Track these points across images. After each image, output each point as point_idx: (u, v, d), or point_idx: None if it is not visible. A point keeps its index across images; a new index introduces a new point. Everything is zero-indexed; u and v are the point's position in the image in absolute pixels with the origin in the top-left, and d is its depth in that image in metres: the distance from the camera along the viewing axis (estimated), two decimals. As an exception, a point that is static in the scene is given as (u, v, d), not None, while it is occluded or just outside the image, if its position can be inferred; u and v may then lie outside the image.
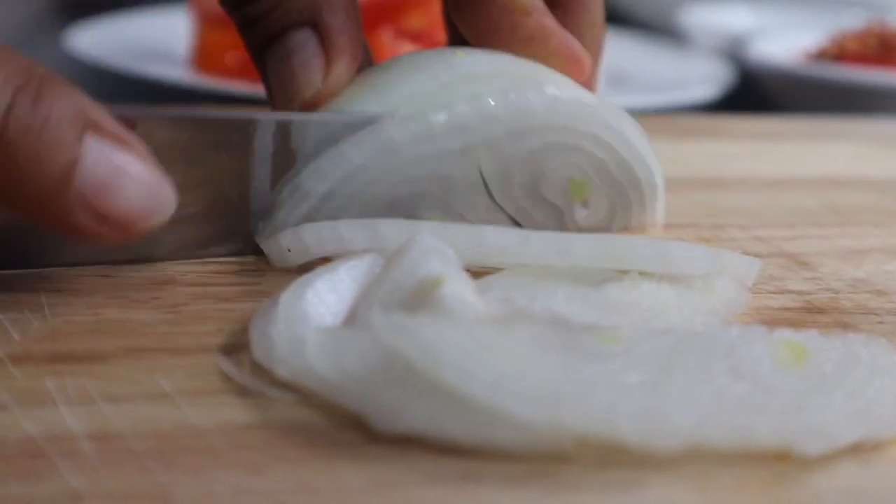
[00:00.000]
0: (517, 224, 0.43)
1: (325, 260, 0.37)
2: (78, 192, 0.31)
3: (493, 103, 0.41)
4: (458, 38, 0.46)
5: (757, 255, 0.40)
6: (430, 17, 0.74)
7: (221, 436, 0.28)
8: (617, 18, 1.16)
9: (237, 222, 0.39)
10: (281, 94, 0.42)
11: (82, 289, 0.36)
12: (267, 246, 0.39)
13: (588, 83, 0.45)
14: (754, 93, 0.91)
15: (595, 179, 0.43)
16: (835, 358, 0.31)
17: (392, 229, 0.38)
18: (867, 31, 0.94)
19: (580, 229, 0.44)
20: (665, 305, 0.35)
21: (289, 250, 0.38)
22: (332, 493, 0.26)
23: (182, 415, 0.29)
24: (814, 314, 0.38)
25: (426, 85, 0.41)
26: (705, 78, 0.84)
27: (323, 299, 0.33)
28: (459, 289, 0.30)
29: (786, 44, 0.97)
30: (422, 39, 0.74)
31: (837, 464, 0.28)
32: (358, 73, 0.42)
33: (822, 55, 0.94)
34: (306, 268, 0.39)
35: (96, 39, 0.82)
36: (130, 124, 0.33)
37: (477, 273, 0.38)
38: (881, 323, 0.38)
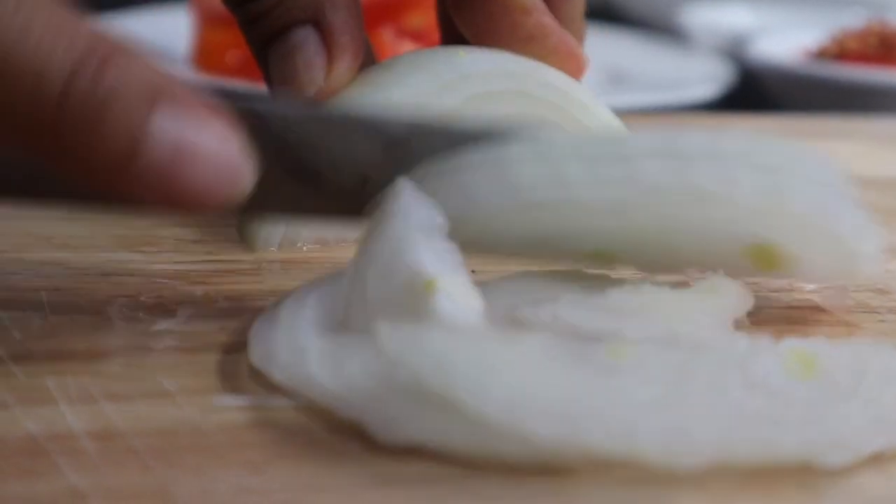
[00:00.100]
0: None
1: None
2: (143, 170, 0.29)
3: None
4: (452, 38, 0.46)
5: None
6: (431, 16, 0.74)
7: (222, 435, 0.28)
8: (617, 17, 1.16)
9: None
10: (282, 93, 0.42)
11: (83, 287, 0.36)
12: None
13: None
14: (755, 92, 0.91)
15: None
16: (844, 366, 0.30)
17: None
18: (868, 30, 0.94)
19: None
20: (668, 309, 0.35)
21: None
22: (333, 492, 0.26)
23: (183, 413, 0.29)
24: (816, 313, 0.38)
25: (427, 84, 0.41)
26: (706, 77, 0.84)
27: (324, 307, 0.33)
28: (454, 290, 0.30)
29: (786, 43, 0.97)
30: (423, 38, 0.74)
31: (859, 475, 0.28)
32: (360, 72, 0.42)
33: (823, 54, 0.94)
34: (306, 267, 0.39)
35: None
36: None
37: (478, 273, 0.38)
38: (882, 321, 0.38)
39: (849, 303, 0.39)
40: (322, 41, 0.43)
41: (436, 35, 0.49)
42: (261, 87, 0.45)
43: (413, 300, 0.31)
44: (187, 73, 0.77)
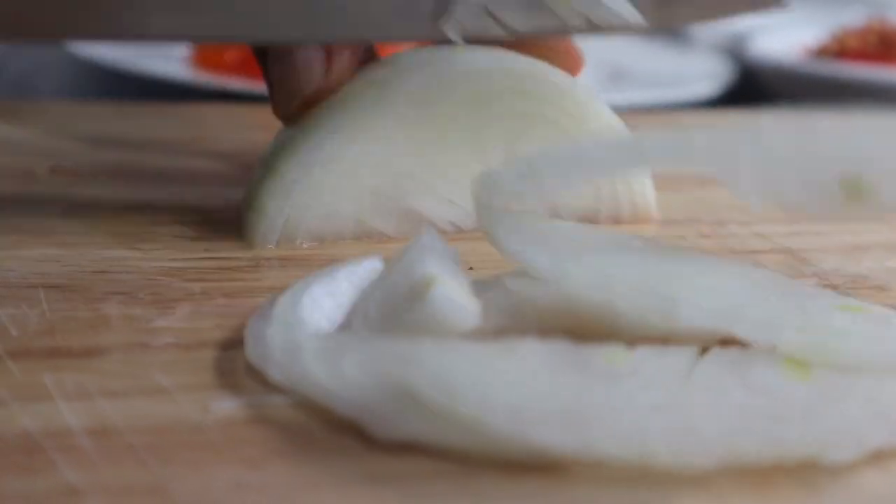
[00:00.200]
0: None
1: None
2: None
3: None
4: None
5: (757, 252, 0.40)
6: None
7: (219, 431, 0.28)
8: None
9: None
10: (282, 91, 0.42)
11: (80, 284, 0.36)
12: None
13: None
14: (755, 89, 0.91)
15: None
16: (839, 365, 0.30)
17: None
18: (868, 28, 0.94)
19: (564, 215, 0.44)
20: None
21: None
22: (329, 488, 0.26)
23: (180, 410, 0.29)
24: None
25: (426, 81, 0.41)
26: (706, 74, 0.84)
27: (320, 304, 0.33)
28: (451, 289, 0.30)
29: (786, 40, 0.97)
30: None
31: (859, 472, 0.28)
32: (361, 69, 0.42)
33: (823, 52, 0.94)
34: (304, 264, 0.39)
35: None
36: None
37: (477, 272, 0.38)
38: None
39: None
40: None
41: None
42: (260, 85, 0.45)
43: (413, 297, 0.31)
44: (187, 70, 0.77)
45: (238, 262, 0.39)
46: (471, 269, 0.38)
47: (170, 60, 0.79)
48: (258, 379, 0.31)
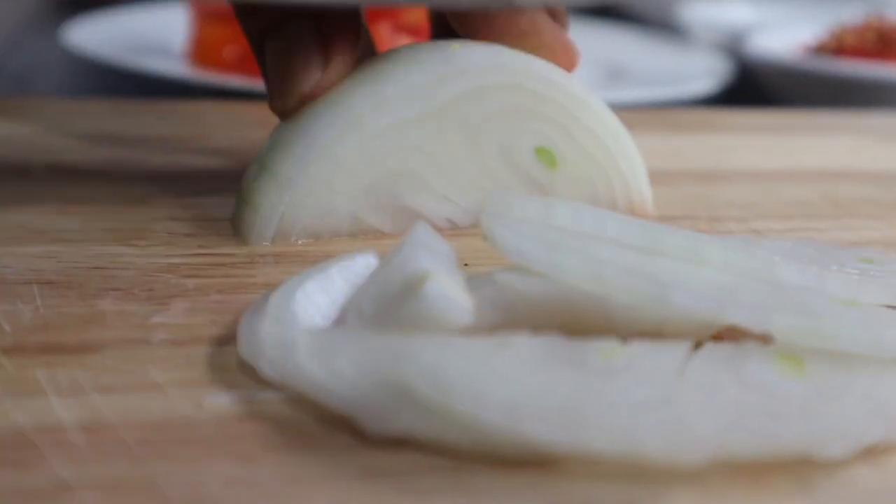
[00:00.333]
0: None
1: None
2: None
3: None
4: (442, 32, 0.46)
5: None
6: (426, 11, 0.74)
7: (212, 426, 0.28)
8: (616, 13, 1.16)
9: None
10: (279, 86, 0.42)
11: (75, 280, 0.36)
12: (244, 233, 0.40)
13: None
14: (753, 87, 0.91)
15: (562, 147, 0.44)
16: (833, 361, 0.30)
17: None
18: (866, 25, 0.94)
19: None
20: None
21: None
22: (322, 484, 0.26)
23: (173, 405, 0.29)
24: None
25: (422, 78, 0.41)
26: (704, 72, 0.84)
27: (313, 300, 0.33)
28: (444, 285, 0.30)
29: (784, 38, 0.97)
30: (419, 33, 0.74)
31: (853, 468, 0.28)
32: (358, 65, 0.42)
33: (821, 49, 0.94)
34: (299, 261, 0.39)
35: (94, 34, 0.82)
36: None
37: (472, 268, 0.38)
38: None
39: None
40: (319, 34, 0.43)
41: (433, 31, 0.49)
42: (258, 82, 0.45)
43: (406, 293, 0.31)
44: (185, 68, 0.77)
45: (233, 258, 0.39)
46: (466, 265, 0.38)
47: (168, 58, 0.79)
48: (251, 375, 0.31)
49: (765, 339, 0.31)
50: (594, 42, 0.86)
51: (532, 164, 0.44)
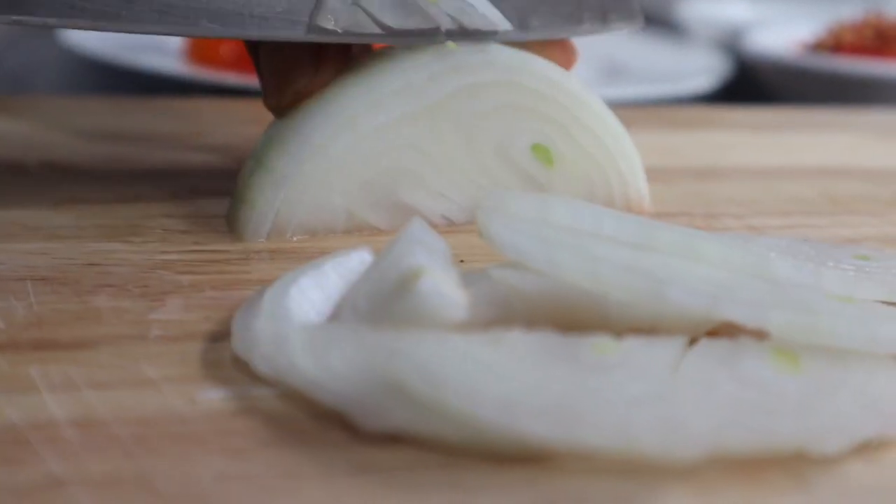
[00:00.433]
0: None
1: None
2: None
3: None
4: None
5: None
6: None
7: (205, 422, 0.28)
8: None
9: None
10: (273, 84, 0.42)
11: (69, 277, 0.36)
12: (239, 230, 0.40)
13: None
14: (751, 84, 0.91)
15: (559, 144, 0.43)
16: (828, 357, 0.30)
17: None
18: (864, 22, 0.94)
19: None
20: None
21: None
22: (315, 479, 0.26)
23: (166, 401, 0.29)
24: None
25: (416, 75, 0.41)
26: (703, 69, 0.84)
27: (308, 296, 0.33)
28: (438, 281, 0.30)
29: (783, 35, 0.97)
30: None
31: (847, 464, 0.28)
32: (352, 63, 0.42)
33: (819, 47, 0.93)
34: (295, 257, 0.39)
35: (91, 32, 0.82)
36: None
37: (468, 265, 0.38)
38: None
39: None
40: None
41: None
42: (254, 80, 0.44)
43: (401, 288, 0.31)
44: (181, 65, 0.77)
45: (228, 255, 0.39)
46: (462, 261, 0.38)
47: (164, 55, 0.79)
48: (245, 371, 0.30)
49: (760, 335, 0.31)
50: (592, 39, 0.85)
51: (529, 161, 0.43)
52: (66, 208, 0.42)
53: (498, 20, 0.42)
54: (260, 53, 0.42)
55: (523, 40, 0.43)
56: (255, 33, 0.39)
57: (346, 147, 0.40)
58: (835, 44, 0.92)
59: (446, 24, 0.41)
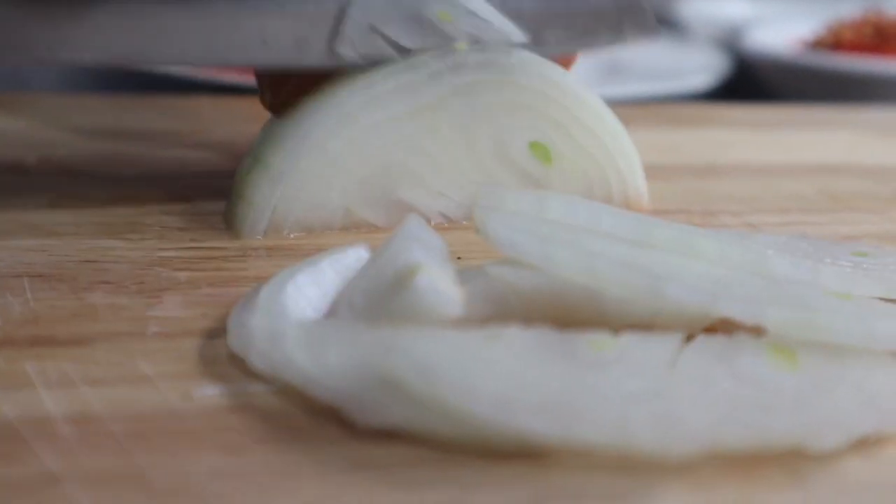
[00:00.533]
0: None
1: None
2: None
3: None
4: None
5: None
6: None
7: (201, 419, 0.28)
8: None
9: None
10: (269, 81, 0.42)
11: (66, 274, 0.36)
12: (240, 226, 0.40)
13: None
14: (751, 82, 0.91)
15: (557, 142, 0.43)
16: (825, 353, 0.30)
17: None
18: (863, 20, 0.94)
19: None
20: None
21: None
22: (311, 476, 0.26)
23: (162, 398, 0.29)
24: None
25: (415, 74, 0.41)
26: (702, 67, 0.84)
27: (304, 293, 0.33)
28: (435, 278, 0.30)
29: (782, 33, 0.97)
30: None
31: (844, 460, 0.28)
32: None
33: (819, 44, 0.93)
34: (291, 254, 0.39)
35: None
36: None
37: (465, 262, 0.38)
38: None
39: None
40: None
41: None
42: (252, 79, 0.44)
43: (397, 285, 0.31)
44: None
45: (225, 252, 0.39)
46: (459, 258, 0.38)
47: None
48: (241, 367, 0.30)
49: (757, 331, 0.31)
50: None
51: (527, 159, 0.43)
52: (63, 205, 0.42)
53: (514, 35, 0.42)
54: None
55: (542, 56, 0.43)
56: (274, 61, 0.39)
57: (344, 144, 0.40)
58: (834, 41, 0.92)
59: (463, 41, 0.41)
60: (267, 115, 0.42)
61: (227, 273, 0.37)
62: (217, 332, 0.33)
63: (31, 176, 0.46)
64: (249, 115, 0.56)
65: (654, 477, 0.27)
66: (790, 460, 0.27)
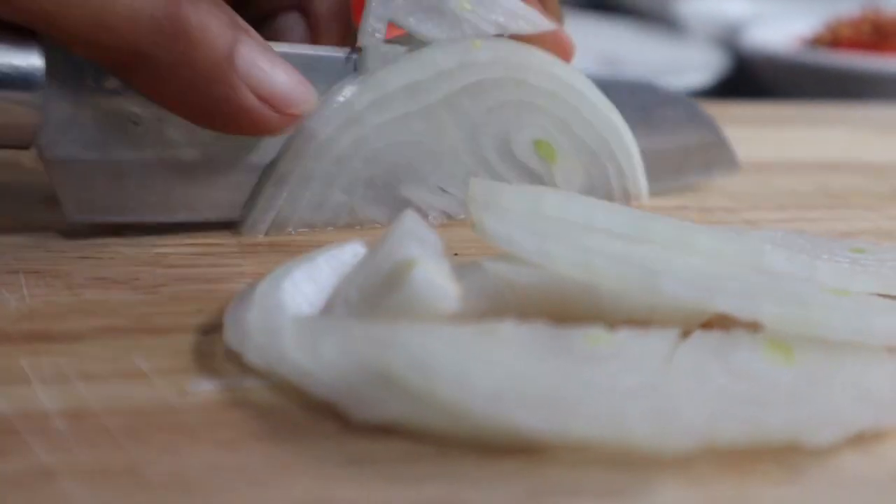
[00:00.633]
0: None
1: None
2: (240, 70, 0.36)
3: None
4: None
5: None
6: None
7: (196, 414, 0.28)
8: (613, 6, 1.15)
9: None
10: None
11: (62, 270, 0.36)
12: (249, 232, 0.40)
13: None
14: (749, 79, 0.91)
15: (561, 140, 0.43)
16: (821, 349, 0.30)
17: None
18: (862, 17, 0.94)
19: None
20: None
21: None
22: (306, 471, 0.26)
23: (157, 393, 0.29)
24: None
25: (419, 71, 0.41)
26: (701, 65, 0.84)
27: (300, 289, 0.33)
28: (431, 272, 0.30)
29: (781, 31, 0.97)
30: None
31: (840, 455, 0.28)
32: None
33: (817, 42, 0.94)
34: (291, 250, 0.39)
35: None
36: None
37: (462, 258, 0.38)
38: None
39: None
40: (308, 27, 0.43)
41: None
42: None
43: (394, 280, 0.30)
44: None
45: (221, 248, 0.39)
46: (455, 254, 0.38)
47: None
48: (236, 362, 0.30)
49: (754, 326, 0.31)
50: (591, 34, 0.85)
51: (530, 156, 0.43)
52: (60, 203, 0.42)
53: (539, 22, 0.42)
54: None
55: None
56: None
57: (350, 144, 0.40)
58: (832, 39, 0.92)
59: (486, 30, 0.41)
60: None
61: (223, 269, 0.37)
62: (212, 328, 0.32)
63: (27, 172, 0.46)
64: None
65: (650, 472, 0.27)
66: (786, 455, 0.27)
